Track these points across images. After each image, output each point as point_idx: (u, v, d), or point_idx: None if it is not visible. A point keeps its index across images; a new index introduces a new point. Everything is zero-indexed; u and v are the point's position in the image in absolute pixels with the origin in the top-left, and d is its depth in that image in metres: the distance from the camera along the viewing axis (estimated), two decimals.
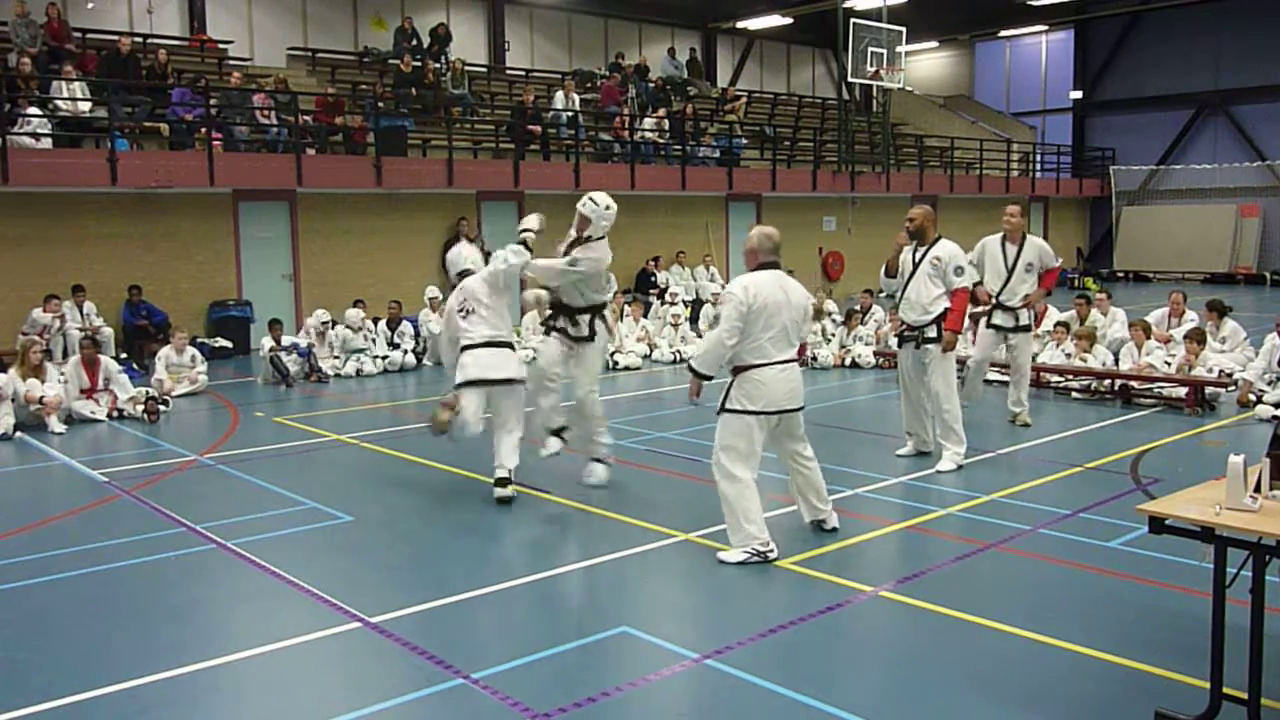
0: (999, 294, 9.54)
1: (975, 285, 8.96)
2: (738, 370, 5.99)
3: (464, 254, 8.01)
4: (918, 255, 8.14)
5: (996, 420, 9.86)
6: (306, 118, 17.02)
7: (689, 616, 5.37)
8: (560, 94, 20.54)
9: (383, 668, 4.65)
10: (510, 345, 7.56)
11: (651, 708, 4.28)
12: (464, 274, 7.72)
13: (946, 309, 8.02)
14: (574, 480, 7.64)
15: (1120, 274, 30.05)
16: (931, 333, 8.03)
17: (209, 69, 18.61)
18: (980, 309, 9.78)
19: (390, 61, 20.50)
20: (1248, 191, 28.93)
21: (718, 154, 22.59)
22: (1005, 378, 12.14)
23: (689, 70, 26.73)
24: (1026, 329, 9.71)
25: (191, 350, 12.44)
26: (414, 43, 20.65)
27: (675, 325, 15.03)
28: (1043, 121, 33.44)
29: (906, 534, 6.55)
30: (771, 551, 5.91)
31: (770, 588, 5.66)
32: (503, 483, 7.29)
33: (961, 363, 9.44)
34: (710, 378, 6.09)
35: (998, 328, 9.65)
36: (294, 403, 11.81)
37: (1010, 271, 9.51)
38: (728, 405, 5.99)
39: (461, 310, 7.52)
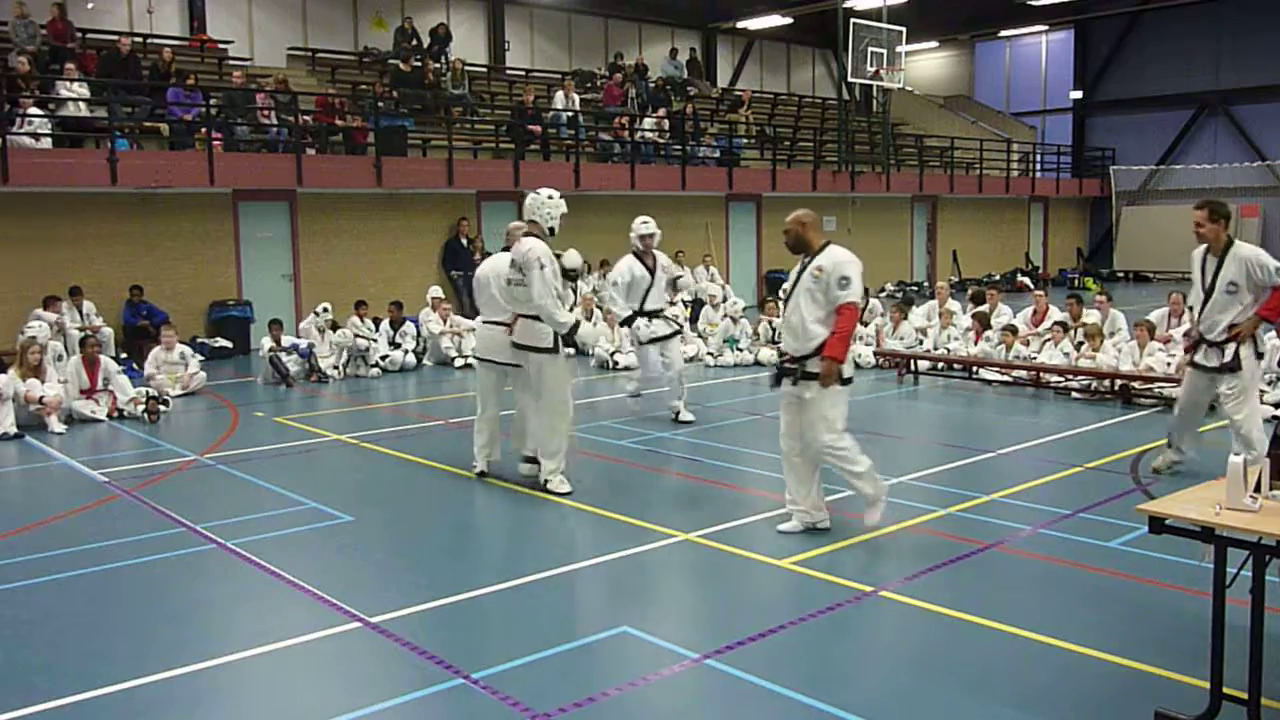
0: (1198, 322, 7.42)
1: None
2: None
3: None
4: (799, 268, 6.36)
5: (994, 419, 9.85)
6: (306, 118, 17.03)
7: (689, 616, 5.37)
8: (560, 94, 20.55)
9: (383, 668, 4.66)
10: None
11: (651, 708, 4.28)
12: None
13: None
14: (572, 479, 7.64)
15: (1120, 274, 30.04)
16: (814, 366, 6.15)
17: (209, 69, 18.62)
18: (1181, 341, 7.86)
19: (390, 61, 20.50)
20: (1248, 191, 28.89)
21: (718, 154, 22.59)
22: (1003, 378, 12.19)
23: (689, 70, 26.73)
24: (1234, 369, 7.18)
25: (181, 348, 12.38)
26: (414, 43, 20.65)
27: None
28: (1043, 121, 33.43)
29: (906, 534, 6.54)
30: (475, 465, 7.94)
31: (770, 588, 5.67)
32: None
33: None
34: None
35: (1201, 367, 7.41)
36: (294, 403, 11.81)
37: (1208, 293, 7.26)
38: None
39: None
